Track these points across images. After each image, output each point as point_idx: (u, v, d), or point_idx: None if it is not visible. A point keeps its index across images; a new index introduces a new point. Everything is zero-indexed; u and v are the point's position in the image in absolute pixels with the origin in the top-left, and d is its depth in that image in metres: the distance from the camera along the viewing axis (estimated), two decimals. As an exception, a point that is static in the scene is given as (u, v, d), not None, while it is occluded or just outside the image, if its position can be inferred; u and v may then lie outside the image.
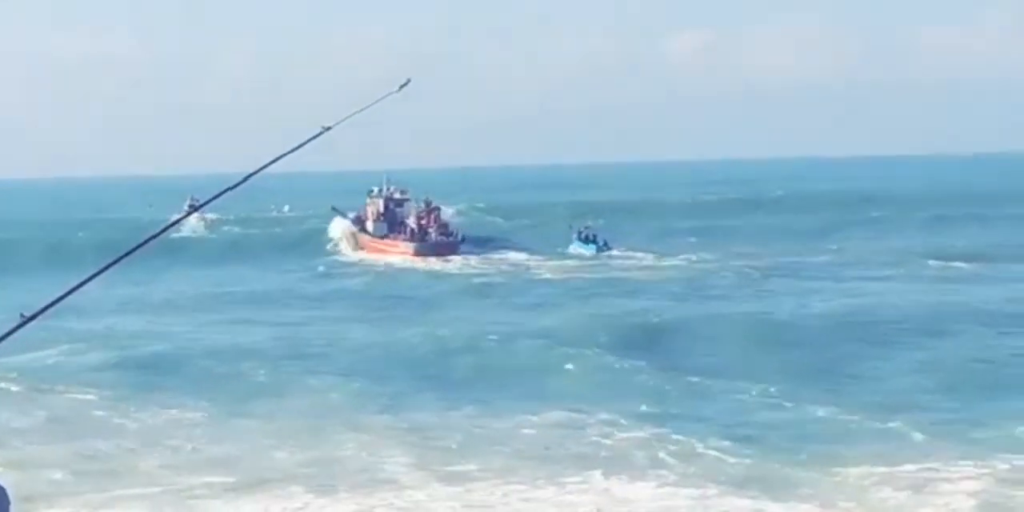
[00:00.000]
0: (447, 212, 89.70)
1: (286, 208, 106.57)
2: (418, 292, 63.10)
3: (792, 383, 36.40)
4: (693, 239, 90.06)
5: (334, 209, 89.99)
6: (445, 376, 39.57)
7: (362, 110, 7.23)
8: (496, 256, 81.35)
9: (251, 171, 6.48)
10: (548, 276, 70.20)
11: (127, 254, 5.66)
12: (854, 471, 27.35)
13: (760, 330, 46.22)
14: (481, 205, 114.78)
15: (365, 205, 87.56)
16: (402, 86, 7.59)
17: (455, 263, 77.12)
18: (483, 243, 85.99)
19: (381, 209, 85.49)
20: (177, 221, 6.18)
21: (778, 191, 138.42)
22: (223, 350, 44.41)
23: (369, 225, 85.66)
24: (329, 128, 6.84)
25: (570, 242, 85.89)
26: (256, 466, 28.96)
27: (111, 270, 5.43)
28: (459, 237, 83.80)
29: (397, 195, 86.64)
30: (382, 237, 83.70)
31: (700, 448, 29.82)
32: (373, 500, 26.20)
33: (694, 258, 77.11)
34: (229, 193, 6.22)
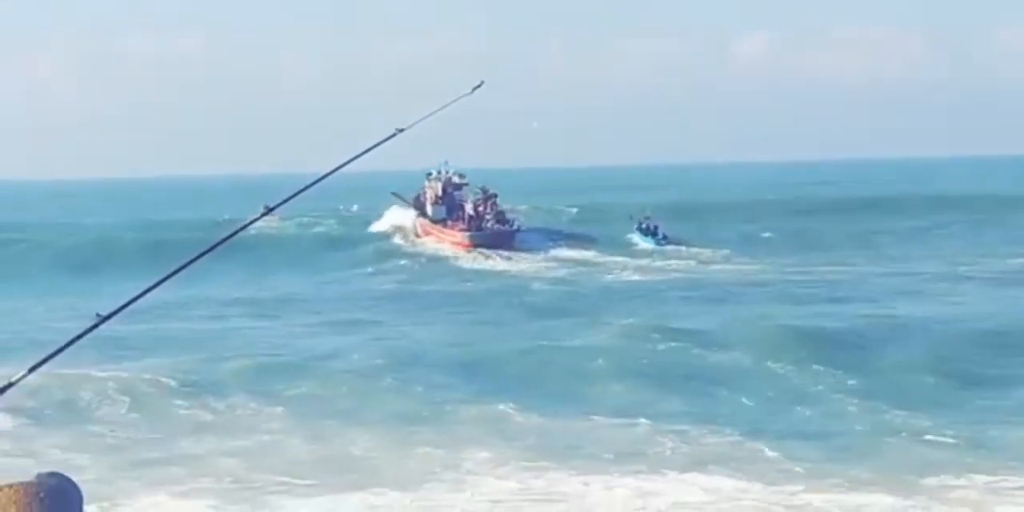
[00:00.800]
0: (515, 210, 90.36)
1: (355, 207, 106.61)
2: (472, 290, 63.76)
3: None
4: (767, 235, 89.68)
5: (394, 195, 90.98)
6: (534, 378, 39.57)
7: (435, 112, 7.26)
8: (555, 252, 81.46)
9: (324, 172, 6.51)
10: (611, 277, 70.18)
11: (201, 255, 5.69)
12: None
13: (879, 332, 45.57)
14: (542, 205, 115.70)
15: (424, 188, 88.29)
16: (475, 88, 7.60)
17: (513, 260, 77.46)
18: (542, 235, 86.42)
19: (440, 192, 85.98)
20: (251, 222, 6.17)
21: (846, 192, 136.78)
22: (293, 351, 44.74)
23: (428, 209, 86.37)
24: (403, 130, 6.87)
25: (630, 232, 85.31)
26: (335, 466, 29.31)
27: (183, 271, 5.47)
28: (515, 226, 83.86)
29: (456, 179, 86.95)
30: (441, 221, 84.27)
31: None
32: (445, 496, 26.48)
33: (769, 259, 76.63)
34: (303, 193, 6.26)
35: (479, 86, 7.59)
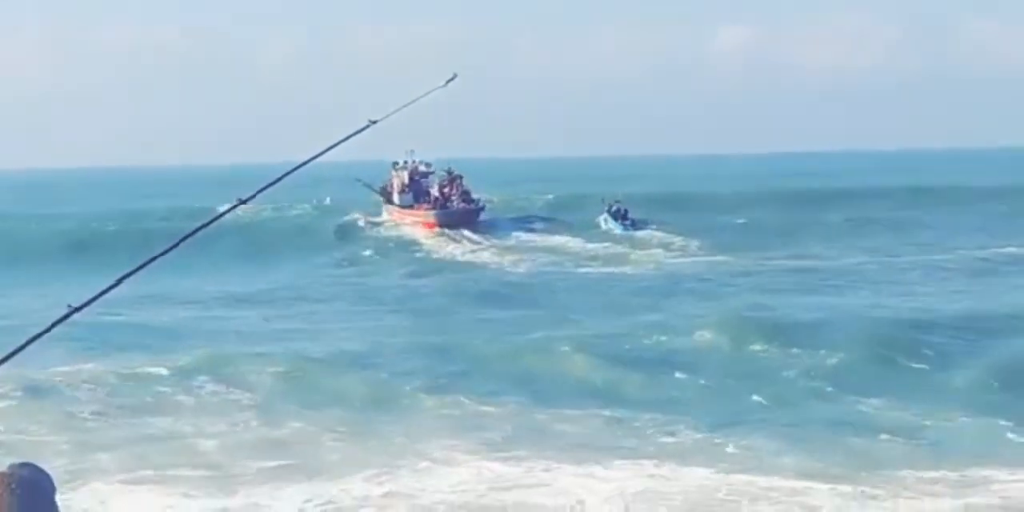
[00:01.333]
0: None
1: (327, 200, 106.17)
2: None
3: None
4: (740, 222, 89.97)
5: (359, 181, 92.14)
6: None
7: (408, 104, 7.30)
8: (520, 234, 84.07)
9: (297, 163, 6.54)
10: (575, 264, 70.54)
11: (172, 247, 5.70)
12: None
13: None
14: (514, 194, 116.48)
15: (391, 178, 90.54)
16: (448, 81, 7.64)
17: (478, 244, 79.90)
18: (509, 220, 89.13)
19: (406, 181, 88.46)
20: (224, 213, 6.18)
21: (824, 184, 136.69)
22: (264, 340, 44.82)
23: (395, 197, 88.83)
24: (376, 122, 6.91)
25: (599, 214, 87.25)
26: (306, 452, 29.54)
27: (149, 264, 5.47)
28: (480, 204, 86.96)
29: (422, 168, 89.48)
30: (408, 207, 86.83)
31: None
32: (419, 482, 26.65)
33: (739, 248, 76.70)
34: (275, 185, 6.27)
35: (452, 79, 7.62)
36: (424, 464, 28.08)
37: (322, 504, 25.46)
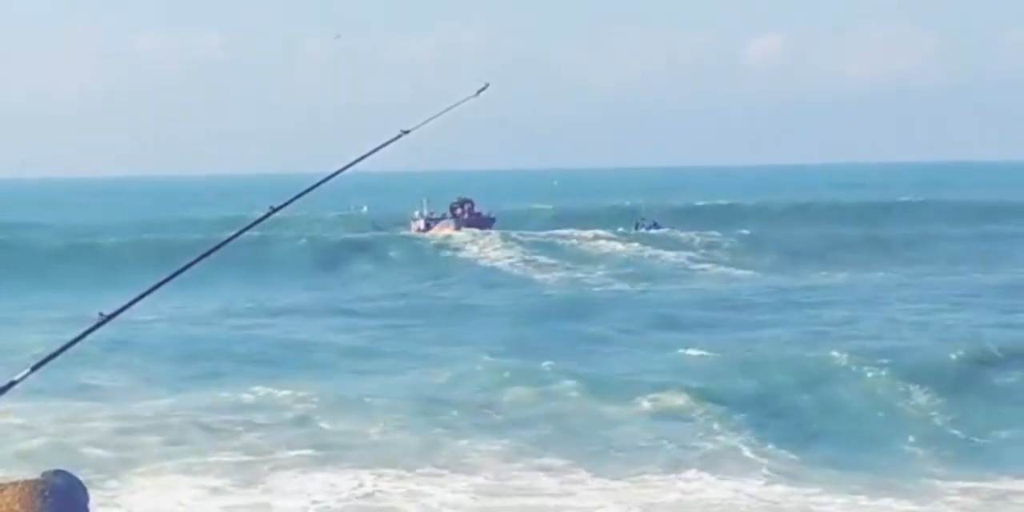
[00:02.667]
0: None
1: (364, 208, 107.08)
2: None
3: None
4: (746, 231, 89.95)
5: (374, 225, 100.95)
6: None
7: (440, 114, 7.27)
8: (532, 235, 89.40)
9: (330, 173, 6.55)
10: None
11: (204, 255, 5.70)
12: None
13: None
14: (547, 206, 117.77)
15: (410, 223, 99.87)
16: (480, 91, 7.60)
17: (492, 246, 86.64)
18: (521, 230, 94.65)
19: (422, 227, 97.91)
20: (256, 222, 6.19)
21: (862, 197, 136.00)
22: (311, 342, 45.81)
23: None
24: (408, 131, 6.89)
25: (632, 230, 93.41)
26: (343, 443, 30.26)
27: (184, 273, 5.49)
28: (492, 216, 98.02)
29: (436, 216, 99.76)
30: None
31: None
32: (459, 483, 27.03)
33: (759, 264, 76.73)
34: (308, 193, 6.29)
35: (484, 89, 7.60)
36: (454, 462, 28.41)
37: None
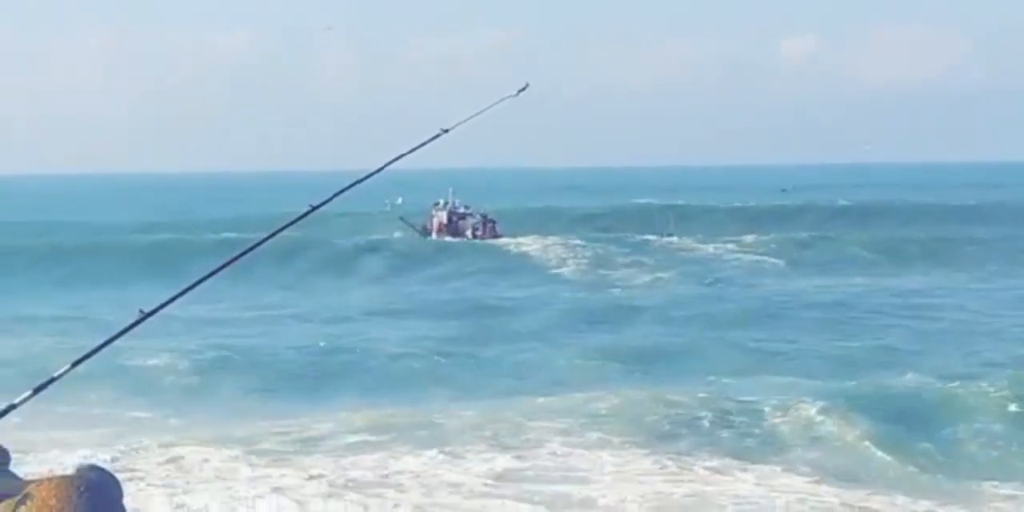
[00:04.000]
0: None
1: (399, 200, 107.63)
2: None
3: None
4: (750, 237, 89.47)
5: (402, 220, 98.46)
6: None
7: (479, 113, 7.27)
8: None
9: (369, 171, 6.56)
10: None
11: (243, 253, 5.72)
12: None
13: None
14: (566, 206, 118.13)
15: (431, 216, 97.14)
16: (520, 90, 7.59)
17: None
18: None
19: (445, 221, 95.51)
20: (295, 220, 6.19)
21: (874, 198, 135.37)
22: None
23: (434, 236, 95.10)
24: (447, 131, 6.90)
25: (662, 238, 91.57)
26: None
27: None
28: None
29: (461, 209, 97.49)
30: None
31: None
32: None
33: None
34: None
35: (524, 89, 7.59)
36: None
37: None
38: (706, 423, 32.53)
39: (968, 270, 72.92)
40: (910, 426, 32.46)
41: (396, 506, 25.76)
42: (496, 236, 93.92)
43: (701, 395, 35.45)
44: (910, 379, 37.86)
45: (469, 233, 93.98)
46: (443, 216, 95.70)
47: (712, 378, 39.12)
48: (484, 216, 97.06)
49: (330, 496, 26.46)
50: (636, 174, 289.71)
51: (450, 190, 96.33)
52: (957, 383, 36.66)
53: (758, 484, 27.19)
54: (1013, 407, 34.09)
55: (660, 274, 73.72)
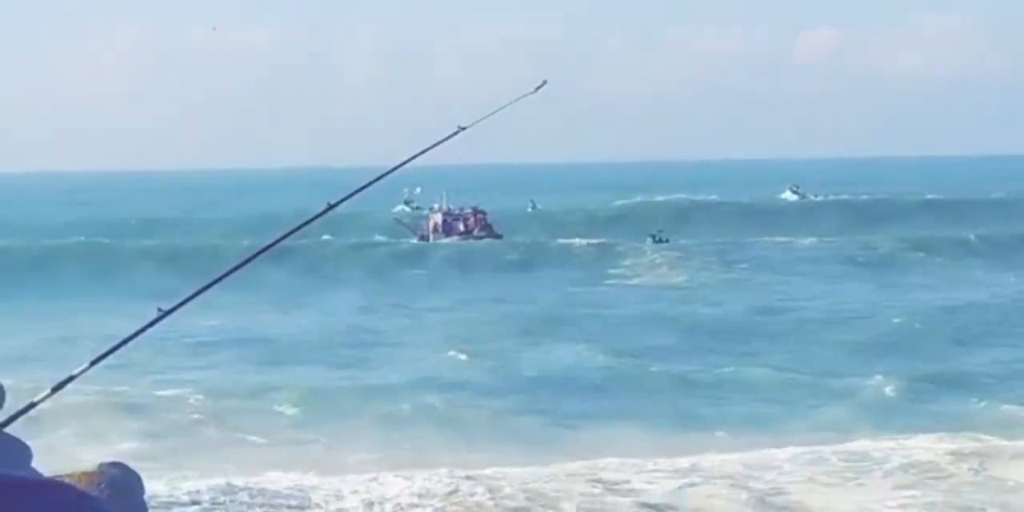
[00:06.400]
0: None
1: (418, 190, 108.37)
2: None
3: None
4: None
5: (399, 222, 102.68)
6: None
7: (498, 110, 7.27)
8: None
9: (387, 169, 6.57)
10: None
11: (262, 251, 5.74)
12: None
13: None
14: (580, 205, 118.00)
15: (428, 217, 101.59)
16: (538, 87, 7.59)
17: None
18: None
19: (440, 222, 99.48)
20: (313, 219, 6.20)
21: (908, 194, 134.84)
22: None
23: (430, 237, 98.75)
24: (464, 128, 6.90)
25: (642, 244, 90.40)
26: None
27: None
28: (499, 234, 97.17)
29: (456, 211, 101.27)
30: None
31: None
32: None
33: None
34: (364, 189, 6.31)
35: (542, 86, 7.58)
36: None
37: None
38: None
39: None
40: None
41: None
42: (487, 225, 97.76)
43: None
44: None
45: (460, 224, 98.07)
46: (438, 218, 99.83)
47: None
48: (474, 208, 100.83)
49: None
50: (646, 170, 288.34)
51: (444, 193, 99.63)
52: None
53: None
54: None
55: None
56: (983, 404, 36.49)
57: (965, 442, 30.30)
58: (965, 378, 39.83)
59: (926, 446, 29.94)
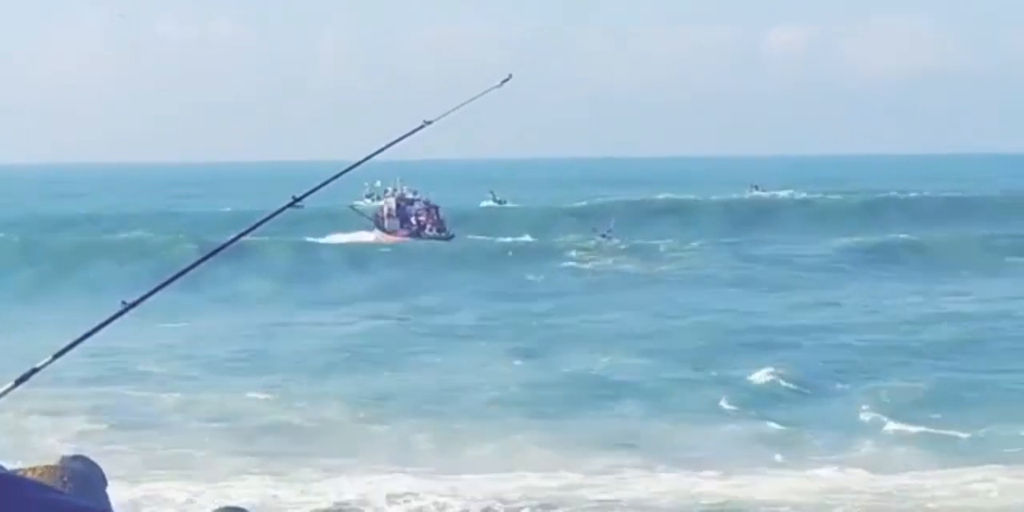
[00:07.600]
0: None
1: (378, 182, 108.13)
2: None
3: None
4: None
5: (352, 208, 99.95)
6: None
7: (463, 105, 7.28)
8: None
9: (352, 163, 6.58)
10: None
11: (226, 245, 5.75)
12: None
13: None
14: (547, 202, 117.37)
15: (382, 203, 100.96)
16: (504, 81, 7.60)
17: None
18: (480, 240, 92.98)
19: (393, 206, 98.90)
20: (277, 212, 6.20)
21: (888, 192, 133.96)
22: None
23: (385, 222, 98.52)
24: (430, 122, 6.90)
25: (591, 240, 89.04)
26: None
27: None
28: (450, 234, 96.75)
29: (409, 195, 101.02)
30: (393, 232, 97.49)
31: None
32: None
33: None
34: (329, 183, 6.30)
35: (507, 79, 7.59)
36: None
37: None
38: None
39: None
40: None
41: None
42: (440, 221, 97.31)
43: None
44: None
45: (414, 219, 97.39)
46: (392, 202, 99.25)
47: None
48: (427, 202, 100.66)
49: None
50: (616, 166, 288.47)
51: (398, 177, 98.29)
52: None
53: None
54: None
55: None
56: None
57: None
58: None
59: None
